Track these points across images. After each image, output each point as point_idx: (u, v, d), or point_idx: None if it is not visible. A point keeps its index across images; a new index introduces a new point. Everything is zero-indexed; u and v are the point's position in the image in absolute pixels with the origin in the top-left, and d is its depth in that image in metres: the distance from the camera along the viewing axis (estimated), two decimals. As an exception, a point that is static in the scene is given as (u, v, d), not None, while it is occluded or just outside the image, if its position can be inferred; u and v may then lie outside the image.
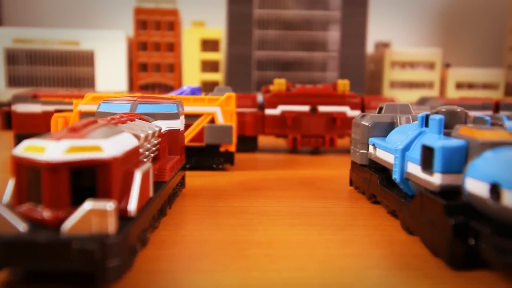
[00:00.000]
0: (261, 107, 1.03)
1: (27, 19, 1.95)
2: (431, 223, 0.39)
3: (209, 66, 1.79)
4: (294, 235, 0.45)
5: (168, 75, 1.74)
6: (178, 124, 0.58)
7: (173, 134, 0.58)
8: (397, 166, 0.48)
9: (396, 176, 0.48)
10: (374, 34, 2.14)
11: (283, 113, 1.00)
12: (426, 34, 2.25)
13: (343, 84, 1.02)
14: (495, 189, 0.34)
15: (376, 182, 0.55)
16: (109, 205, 0.30)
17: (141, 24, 1.70)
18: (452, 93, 1.90)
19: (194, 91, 0.83)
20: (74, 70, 1.69)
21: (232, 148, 0.79)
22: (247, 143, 1.04)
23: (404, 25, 2.24)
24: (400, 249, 0.41)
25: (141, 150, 0.42)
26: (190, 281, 0.34)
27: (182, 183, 0.62)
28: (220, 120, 0.79)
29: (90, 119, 0.39)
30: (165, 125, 0.56)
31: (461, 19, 2.28)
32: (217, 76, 1.75)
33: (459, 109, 0.47)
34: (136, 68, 1.71)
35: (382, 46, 1.96)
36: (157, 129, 0.50)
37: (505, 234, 0.33)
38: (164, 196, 0.48)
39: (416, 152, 0.45)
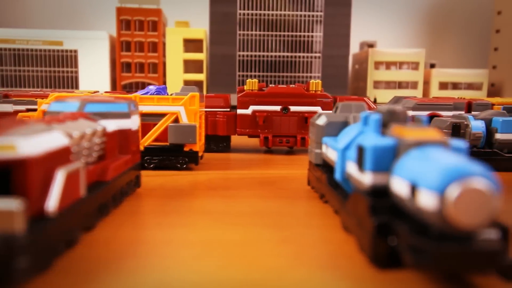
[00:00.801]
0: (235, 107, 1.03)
1: (10, 19, 1.95)
2: (359, 222, 0.39)
3: (193, 66, 1.79)
4: (232, 234, 0.45)
5: (151, 75, 1.73)
6: (129, 123, 0.58)
7: (124, 134, 0.57)
8: (339, 166, 0.48)
9: (337, 175, 0.48)
10: (361, 34, 2.15)
11: (254, 113, 1.00)
12: (412, 35, 2.25)
13: (315, 84, 1.02)
14: (413, 188, 0.34)
15: (325, 182, 0.55)
16: (15, 204, 0.30)
17: (124, 24, 1.70)
18: (436, 93, 1.90)
19: (160, 91, 0.83)
20: (58, 70, 1.69)
21: (196, 147, 0.79)
22: (220, 143, 1.04)
23: (391, 25, 2.24)
24: (334, 249, 0.41)
25: (74, 149, 0.42)
26: (107, 282, 0.34)
27: (136, 183, 0.62)
28: (184, 120, 0.78)
29: (18, 118, 0.39)
30: (115, 125, 0.56)
31: (447, 20, 2.28)
32: (201, 76, 1.75)
33: (399, 108, 0.46)
34: (119, 68, 1.71)
35: (367, 46, 1.96)
36: (99, 128, 0.49)
37: (421, 234, 0.33)
38: (104, 196, 0.48)
39: (353, 152, 0.45)
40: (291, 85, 1.06)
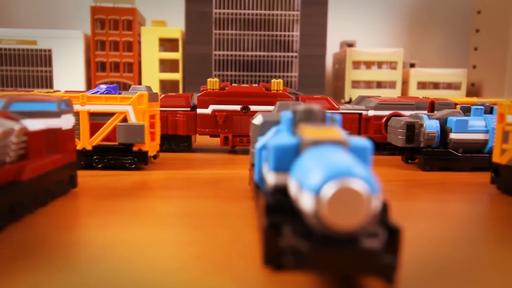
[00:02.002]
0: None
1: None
2: (260, 222, 0.39)
3: (169, 66, 1.78)
4: (145, 236, 0.44)
5: (127, 74, 1.72)
6: (59, 122, 0.57)
7: (53, 133, 0.57)
8: (256, 166, 0.47)
9: (256, 175, 0.48)
10: (342, 33, 2.14)
11: (214, 113, 1.00)
12: (394, 34, 2.25)
13: (277, 83, 1.02)
14: (299, 188, 0.33)
15: (253, 182, 0.54)
16: None
17: (99, 23, 1.69)
18: (414, 92, 1.89)
19: (110, 90, 0.82)
20: (32, 70, 1.68)
21: (146, 147, 0.78)
22: (181, 143, 1.04)
23: (372, 25, 2.24)
24: (239, 250, 0.41)
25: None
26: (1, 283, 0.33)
27: (70, 183, 0.61)
28: (133, 119, 0.78)
29: None
30: (42, 124, 0.55)
31: (429, 19, 2.28)
32: (176, 76, 1.74)
33: (316, 107, 0.46)
34: (94, 67, 1.70)
35: (347, 46, 1.96)
36: (17, 127, 0.48)
37: (306, 235, 0.32)
38: (18, 196, 0.47)
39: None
40: (254, 85, 1.06)
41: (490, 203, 0.61)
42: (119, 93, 0.83)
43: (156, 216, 0.51)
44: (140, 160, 0.79)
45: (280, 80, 1.02)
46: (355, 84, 1.91)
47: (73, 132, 0.62)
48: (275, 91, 1.01)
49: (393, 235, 0.34)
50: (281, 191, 0.38)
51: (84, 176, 0.72)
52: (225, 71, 1.74)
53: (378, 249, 0.30)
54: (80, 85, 1.68)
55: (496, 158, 0.66)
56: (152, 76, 1.72)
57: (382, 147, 1.04)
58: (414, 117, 0.87)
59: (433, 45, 2.28)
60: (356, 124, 1.04)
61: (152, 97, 0.84)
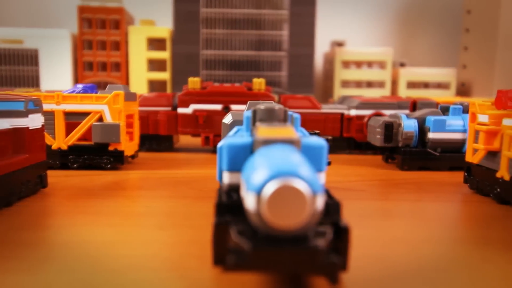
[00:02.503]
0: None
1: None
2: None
3: (157, 65, 1.77)
4: (105, 236, 0.44)
5: (114, 74, 1.72)
6: (26, 122, 0.57)
7: (20, 133, 0.56)
8: (218, 165, 0.47)
9: (217, 175, 0.47)
10: (333, 33, 2.14)
11: (195, 112, 0.99)
12: (384, 33, 2.25)
13: (259, 83, 1.01)
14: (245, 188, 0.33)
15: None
16: None
17: (86, 23, 1.68)
18: (404, 92, 1.89)
19: (87, 90, 0.81)
20: (18, 69, 1.67)
21: (121, 147, 0.78)
22: (162, 143, 1.03)
23: (363, 24, 2.24)
24: (196, 250, 0.40)
25: None
26: None
27: (40, 182, 0.61)
28: (108, 119, 0.77)
29: None
30: (8, 123, 0.54)
31: (419, 19, 2.28)
32: (164, 75, 1.74)
33: (277, 106, 0.45)
34: (81, 67, 1.69)
35: (336, 45, 1.96)
36: (-23, 127, 0.48)
37: (250, 235, 0.32)
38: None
39: (227, 151, 0.43)
40: (236, 84, 1.05)
41: (461, 202, 0.61)
42: (96, 93, 0.83)
43: (121, 216, 0.51)
44: (116, 160, 0.79)
45: (262, 80, 1.02)
46: (345, 83, 1.91)
47: (42, 132, 0.61)
48: (257, 91, 1.01)
49: (342, 235, 0.34)
50: (235, 190, 0.38)
51: (58, 176, 0.72)
52: (213, 70, 1.74)
53: (320, 248, 0.30)
54: (68, 84, 1.67)
55: (469, 157, 0.65)
56: (140, 75, 1.71)
57: (364, 147, 1.04)
58: (392, 117, 0.86)
59: (423, 44, 2.28)
60: (338, 124, 1.04)
61: (129, 96, 0.84)
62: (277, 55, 1.76)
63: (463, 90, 2.02)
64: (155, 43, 1.78)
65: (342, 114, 1.03)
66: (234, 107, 0.99)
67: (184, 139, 1.22)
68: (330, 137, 0.52)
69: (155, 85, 1.78)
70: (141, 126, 0.98)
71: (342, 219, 0.35)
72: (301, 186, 0.29)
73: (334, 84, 1.87)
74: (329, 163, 0.51)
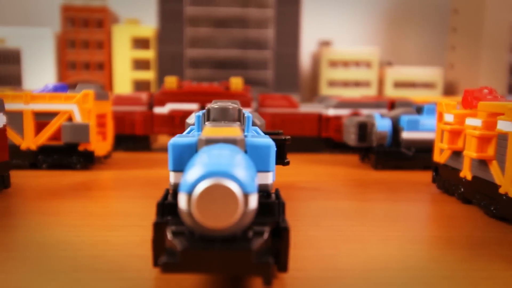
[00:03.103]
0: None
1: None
2: (158, 224, 0.38)
3: (141, 65, 1.76)
4: (55, 236, 0.43)
5: (97, 73, 1.71)
6: (-16, 122, 0.56)
7: (-23, 132, 0.55)
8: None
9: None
10: (320, 32, 2.14)
11: (171, 112, 0.99)
12: (372, 33, 2.25)
13: (236, 82, 1.01)
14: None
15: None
16: None
17: (69, 22, 1.67)
18: (390, 92, 1.89)
19: (57, 89, 0.80)
20: (0, 68, 1.66)
21: (91, 147, 0.77)
22: (138, 143, 1.02)
23: (351, 23, 2.24)
24: (142, 250, 0.40)
25: None
26: None
27: (1, 183, 0.60)
28: (78, 118, 0.76)
29: None
30: (-36, 123, 0.54)
31: (407, 18, 2.28)
32: (149, 75, 1.73)
33: (231, 105, 0.45)
34: (64, 66, 1.68)
35: (323, 44, 1.95)
36: None
37: (185, 236, 0.31)
38: None
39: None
40: (214, 83, 1.05)
41: (427, 202, 0.61)
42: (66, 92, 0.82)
43: (77, 217, 0.50)
44: (86, 160, 0.78)
45: (240, 79, 1.01)
46: (332, 83, 1.91)
47: (3, 132, 0.60)
48: (234, 90, 1.00)
49: (282, 235, 0.34)
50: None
51: (25, 177, 0.71)
52: (198, 69, 1.73)
53: (253, 249, 0.29)
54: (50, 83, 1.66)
55: (436, 157, 0.65)
56: (124, 75, 1.70)
57: (342, 147, 1.03)
58: (366, 117, 0.86)
59: (412, 44, 2.28)
60: (316, 123, 1.03)
61: (101, 95, 0.83)
62: (262, 54, 1.76)
63: (450, 89, 2.03)
64: (140, 43, 1.78)
65: (320, 114, 1.03)
66: (210, 106, 0.98)
67: (163, 139, 1.22)
68: (288, 137, 0.51)
69: (141, 85, 1.77)
70: (117, 126, 0.97)
71: (283, 219, 0.35)
72: (231, 186, 0.29)
73: (320, 83, 1.87)
74: (287, 163, 0.51)
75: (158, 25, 1.69)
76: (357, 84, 1.93)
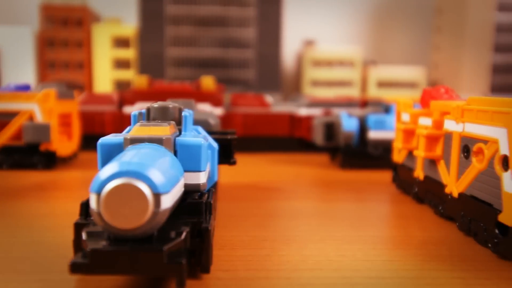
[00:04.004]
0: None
1: None
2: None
3: (122, 64, 1.75)
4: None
5: (77, 73, 1.69)
6: None
7: None
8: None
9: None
10: (305, 32, 2.13)
11: (141, 111, 0.98)
12: (357, 32, 2.25)
13: (207, 81, 1.00)
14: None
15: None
16: None
17: (48, 21, 1.65)
18: (374, 91, 1.89)
19: (19, 89, 0.80)
20: (-21, 68, 1.64)
21: (53, 146, 0.76)
22: (109, 142, 1.01)
23: (336, 23, 2.23)
24: (68, 252, 0.39)
25: None
26: None
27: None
28: (39, 118, 0.76)
29: None
30: None
31: (393, 18, 2.28)
32: (130, 74, 1.72)
33: (171, 105, 0.44)
34: (43, 65, 1.67)
35: (307, 44, 1.95)
36: None
37: (100, 237, 0.30)
38: None
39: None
40: (186, 83, 1.04)
41: (383, 202, 0.60)
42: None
43: (19, 218, 0.49)
44: (48, 160, 0.77)
45: (211, 78, 1.01)
46: (315, 83, 1.90)
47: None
48: (205, 90, 1.00)
49: (203, 235, 0.33)
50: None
51: (-18, 177, 0.70)
52: (180, 69, 1.72)
53: (162, 250, 0.29)
54: (30, 83, 1.64)
55: (395, 157, 0.65)
56: (104, 75, 1.69)
57: (314, 146, 1.03)
58: (333, 116, 0.86)
59: (397, 43, 2.28)
60: (287, 123, 1.03)
61: (66, 95, 0.82)
62: (244, 54, 1.75)
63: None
64: (121, 42, 1.76)
65: (292, 114, 1.03)
66: (181, 106, 0.98)
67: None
68: (234, 137, 0.51)
69: (123, 85, 1.76)
70: (86, 126, 0.97)
71: (207, 220, 0.34)
72: (141, 186, 0.28)
73: (303, 83, 1.86)
74: (233, 163, 0.50)
75: (138, 24, 1.68)
76: (340, 83, 1.92)
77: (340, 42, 2.19)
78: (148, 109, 0.44)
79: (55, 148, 0.77)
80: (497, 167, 0.39)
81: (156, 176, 0.29)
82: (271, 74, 1.77)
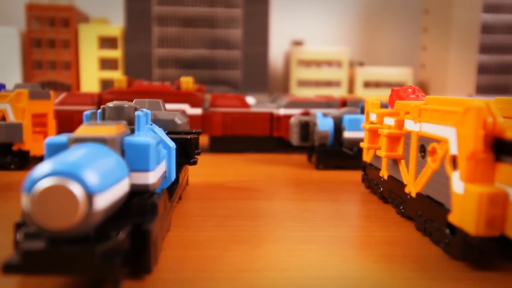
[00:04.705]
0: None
1: None
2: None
3: (109, 64, 1.75)
4: None
5: (64, 73, 1.69)
6: None
7: None
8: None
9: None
10: (294, 32, 2.13)
11: (119, 111, 0.97)
12: (345, 33, 2.25)
13: (186, 82, 1.00)
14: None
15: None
16: None
17: (35, 20, 1.65)
18: (360, 91, 1.89)
19: (-7, 88, 0.79)
20: (-35, 68, 1.64)
21: (26, 146, 0.76)
22: (88, 142, 1.01)
23: (325, 24, 2.24)
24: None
25: None
26: None
27: None
28: (11, 118, 0.75)
29: None
30: None
31: (381, 19, 2.28)
32: (116, 74, 1.71)
33: (126, 104, 0.44)
34: (30, 65, 1.66)
35: (295, 44, 1.95)
36: None
37: (36, 237, 0.30)
38: None
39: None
40: (166, 83, 1.04)
41: (350, 201, 0.60)
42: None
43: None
44: (21, 160, 0.77)
45: (190, 78, 1.01)
46: (303, 83, 1.91)
47: None
48: (184, 90, 1.00)
49: (144, 236, 0.33)
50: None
51: (-46, 177, 0.70)
52: (167, 69, 1.72)
53: (94, 251, 0.28)
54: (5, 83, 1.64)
55: (364, 156, 0.65)
56: (91, 74, 1.69)
57: (293, 146, 1.03)
58: (309, 116, 0.86)
59: (385, 44, 2.29)
60: (267, 123, 1.03)
61: (40, 95, 0.82)
62: (231, 54, 1.75)
63: (422, 89, 2.03)
64: (108, 42, 1.76)
65: (271, 113, 1.03)
66: (159, 106, 0.98)
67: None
68: (195, 136, 0.51)
69: (110, 85, 1.75)
70: (65, 125, 0.96)
71: (149, 220, 0.34)
72: (72, 186, 0.28)
73: (291, 83, 1.86)
74: (193, 163, 0.50)
75: (125, 24, 1.68)
76: (328, 83, 1.92)
77: (329, 43, 2.19)
78: (104, 109, 0.44)
79: (29, 148, 0.76)
80: (447, 166, 0.39)
81: (90, 176, 0.29)
82: (258, 75, 1.77)
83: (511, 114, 0.47)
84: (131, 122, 0.43)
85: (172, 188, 0.49)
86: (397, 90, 0.60)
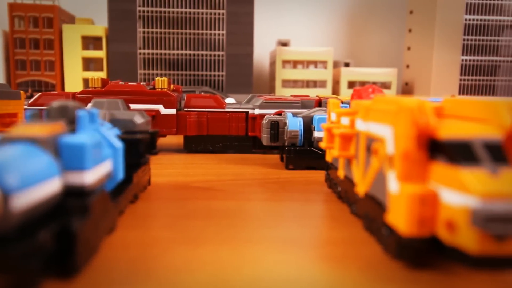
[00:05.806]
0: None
1: None
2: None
3: (93, 64, 1.74)
4: None
5: (48, 73, 1.69)
6: None
7: None
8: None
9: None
10: (279, 32, 2.13)
11: (93, 111, 0.97)
12: (331, 34, 2.25)
13: (161, 82, 1.00)
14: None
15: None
16: None
17: (18, 20, 1.65)
18: (345, 92, 1.90)
19: (-40, 88, 0.79)
20: None
21: (-8, 147, 0.76)
22: (62, 142, 1.01)
23: (311, 24, 2.24)
24: None
25: None
26: None
27: None
28: (-23, 118, 0.75)
29: None
30: None
31: (367, 19, 2.29)
32: (101, 75, 1.71)
33: (70, 104, 0.44)
34: (13, 65, 1.66)
35: (281, 45, 1.95)
36: None
37: None
38: None
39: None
40: (141, 83, 1.04)
41: (310, 201, 0.60)
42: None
43: None
44: (-12, 160, 0.76)
45: (165, 78, 1.00)
46: (288, 83, 1.91)
47: None
48: (159, 90, 1.00)
49: (69, 238, 0.33)
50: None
51: None
52: (150, 69, 1.72)
53: (7, 252, 0.28)
54: (0, 83, 1.64)
55: (327, 156, 0.65)
56: (74, 74, 1.69)
57: (269, 146, 1.03)
58: (279, 116, 0.86)
59: (370, 45, 2.29)
60: (243, 123, 1.03)
61: (9, 95, 0.81)
62: (215, 55, 1.75)
63: (406, 89, 2.04)
64: (92, 42, 1.76)
65: (247, 113, 1.03)
66: (133, 106, 0.98)
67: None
68: (144, 137, 0.51)
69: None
70: (38, 126, 0.96)
71: (75, 221, 0.34)
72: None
73: (275, 83, 1.86)
74: (143, 163, 0.50)
75: (108, 24, 1.67)
76: (313, 84, 1.93)
77: (315, 43, 2.19)
78: (49, 109, 0.44)
79: None
80: (385, 166, 0.39)
81: (6, 176, 0.29)
82: (242, 76, 1.77)
83: (460, 114, 0.47)
84: (75, 122, 0.43)
85: (123, 188, 0.49)
86: (358, 90, 0.60)
